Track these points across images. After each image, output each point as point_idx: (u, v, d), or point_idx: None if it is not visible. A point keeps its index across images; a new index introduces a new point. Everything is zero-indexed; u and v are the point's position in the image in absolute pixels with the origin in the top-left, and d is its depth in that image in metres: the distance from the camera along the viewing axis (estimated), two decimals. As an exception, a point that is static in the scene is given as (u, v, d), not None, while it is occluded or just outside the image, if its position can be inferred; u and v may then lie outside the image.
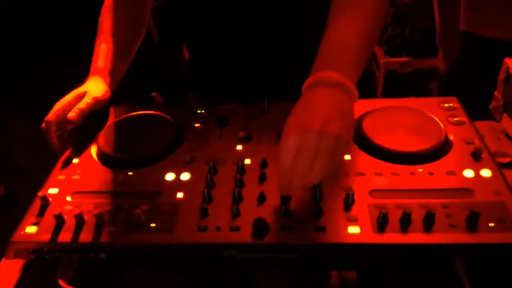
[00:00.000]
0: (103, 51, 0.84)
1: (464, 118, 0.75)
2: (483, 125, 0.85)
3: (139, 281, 0.60)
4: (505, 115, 0.81)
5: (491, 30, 1.28)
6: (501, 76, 0.81)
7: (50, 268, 0.60)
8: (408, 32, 2.28)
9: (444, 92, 1.46)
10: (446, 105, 0.78)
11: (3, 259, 0.65)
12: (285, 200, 0.60)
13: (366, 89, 0.82)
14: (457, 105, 0.78)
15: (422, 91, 2.20)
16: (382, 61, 2.30)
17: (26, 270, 0.64)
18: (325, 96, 0.57)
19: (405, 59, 2.27)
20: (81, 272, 0.60)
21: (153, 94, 0.93)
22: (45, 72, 2.17)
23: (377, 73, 2.39)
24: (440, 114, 0.75)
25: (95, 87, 0.80)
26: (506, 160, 0.75)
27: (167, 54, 1.23)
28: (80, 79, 0.83)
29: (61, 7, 2.03)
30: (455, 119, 0.74)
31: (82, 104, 0.77)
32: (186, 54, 1.03)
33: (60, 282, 0.58)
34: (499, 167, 0.65)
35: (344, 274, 0.66)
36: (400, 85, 2.30)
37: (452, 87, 1.41)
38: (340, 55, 0.62)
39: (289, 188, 0.57)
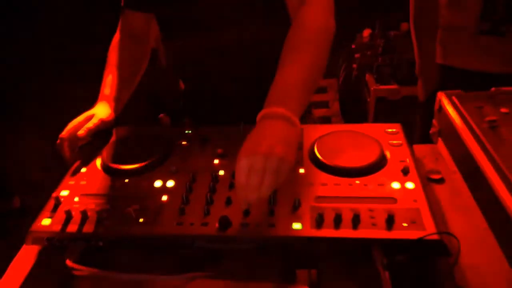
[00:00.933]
0: (109, 81, 1.03)
1: (402, 141, 0.90)
2: (427, 148, 1.01)
3: (129, 262, 0.76)
4: (439, 139, 0.96)
5: (462, 62, 1.44)
6: (436, 106, 0.96)
7: (60, 252, 0.77)
8: (396, 62, 2.45)
9: (423, 117, 1.62)
10: (390, 130, 0.94)
11: (23, 246, 0.82)
12: (247, 211, 0.76)
13: (359, 114, 0.98)
14: (399, 130, 0.94)
15: (410, 116, 2.36)
16: (372, 88, 2.46)
17: (41, 255, 0.81)
18: (272, 127, 0.73)
19: (394, 86, 2.43)
20: (84, 255, 0.76)
21: (161, 115, 1.10)
22: (58, 94, 2.38)
23: (368, 99, 2.55)
24: (383, 138, 0.91)
25: (101, 111, 0.98)
26: (438, 176, 0.91)
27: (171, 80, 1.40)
28: (87, 101, 1.01)
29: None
30: (395, 142, 0.90)
31: (90, 124, 0.95)
32: (181, 84, 1.21)
33: (68, 262, 0.74)
34: (423, 181, 0.80)
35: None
36: (390, 111, 2.45)
37: (429, 112, 1.56)
38: (286, 93, 0.79)
39: (246, 201, 0.72)
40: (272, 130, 0.73)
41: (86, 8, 2.42)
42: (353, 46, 2.76)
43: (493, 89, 0.91)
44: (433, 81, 1.55)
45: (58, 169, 0.93)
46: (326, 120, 3.11)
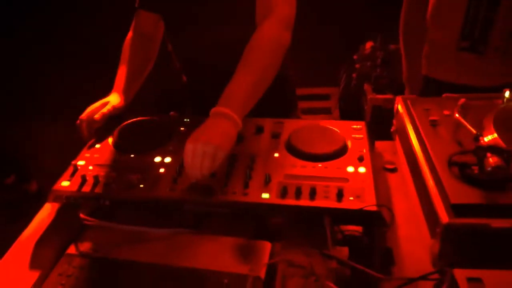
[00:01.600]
0: (121, 75, 1.23)
1: (363, 135, 1.07)
2: (387, 144, 1.18)
3: (130, 218, 0.94)
4: (397, 136, 1.13)
5: (444, 75, 1.60)
6: (394, 109, 1.13)
7: (75, 209, 0.96)
8: (393, 73, 2.61)
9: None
10: (355, 126, 1.11)
11: (46, 203, 1.02)
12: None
13: (356, 119, 1.15)
14: (362, 127, 1.11)
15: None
16: (369, 97, 2.63)
17: (60, 211, 1.00)
18: (216, 123, 0.93)
19: (389, 96, 2.60)
20: (94, 211, 0.95)
21: (171, 113, 1.28)
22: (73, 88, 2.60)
23: (366, 107, 2.72)
24: (348, 132, 1.09)
25: (114, 99, 1.18)
26: (391, 166, 1.08)
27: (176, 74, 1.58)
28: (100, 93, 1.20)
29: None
30: (357, 136, 1.07)
31: (104, 110, 1.14)
32: (184, 77, 1.40)
33: (81, 215, 0.93)
34: (374, 168, 0.97)
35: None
36: (384, 118, 2.61)
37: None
38: (233, 96, 0.98)
39: (192, 177, 0.91)
40: (215, 125, 0.93)
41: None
42: (355, 57, 2.94)
43: (444, 95, 1.08)
44: (418, 90, 1.71)
45: (73, 157, 1.11)
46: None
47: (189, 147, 0.89)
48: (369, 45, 2.90)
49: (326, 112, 3.38)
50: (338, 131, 1.08)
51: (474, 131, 0.85)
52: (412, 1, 1.55)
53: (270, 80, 1.07)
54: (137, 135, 1.13)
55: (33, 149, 2.89)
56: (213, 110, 0.96)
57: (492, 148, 0.78)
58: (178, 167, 0.99)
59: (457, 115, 0.95)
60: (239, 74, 1.02)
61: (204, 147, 0.88)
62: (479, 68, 1.50)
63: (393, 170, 1.08)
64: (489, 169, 0.75)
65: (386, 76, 2.65)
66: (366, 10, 2.98)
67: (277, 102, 1.35)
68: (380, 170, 1.08)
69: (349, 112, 2.91)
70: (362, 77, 2.77)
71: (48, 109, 2.86)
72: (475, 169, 0.79)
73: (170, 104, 1.29)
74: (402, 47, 1.68)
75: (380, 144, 1.16)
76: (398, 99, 1.12)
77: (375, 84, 2.66)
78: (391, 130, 1.17)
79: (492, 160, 0.76)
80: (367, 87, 2.71)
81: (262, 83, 1.05)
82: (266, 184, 0.94)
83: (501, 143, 0.83)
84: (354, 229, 0.90)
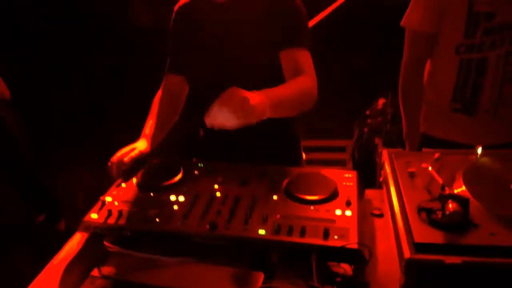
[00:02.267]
0: (149, 125, 1.43)
1: (353, 183, 1.22)
2: (376, 192, 1.31)
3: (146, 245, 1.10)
4: (384, 185, 1.27)
5: (440, 134, 1.74)
6: (381, 161, 1.28)
7: (101, 238, 1.12)
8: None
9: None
10: (347, 175, 1.26)
11: (76, 233, 1.19)
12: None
13: (369, 172, 1.31)
14: (354, 176, 1.26)
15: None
16: (379, 151, 2.77)
17: (88, 240, 1.17)
18: (249, 95, 1.09)
19: (398, 150, 2.72)
20: (117, 240, 1.12)
21: (193, 159, 1.46)
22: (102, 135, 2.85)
23: (377, 160, 2.85)
24: (340, 180, 1.23)
25: (141, 145, 1.37)
26: (378, 212, 1.21)
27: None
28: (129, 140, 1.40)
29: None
30: (348, 183, 1.22)
31: (132, 154, 1.33)
32: (201, 131, 1.60)
33: (105, 242, 1.10)
34: (360, 212, 1.11)
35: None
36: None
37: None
38: (274, 92, 1.18)
39: (213, 121, 1.07)
40: (250, 97, 1.09)
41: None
42: (367, 112, 3.11)
43: (423, 149, 1.22)
44: (416, 146, 1.85)
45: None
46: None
47: (219, 97, 1.07)
48: (381, 101, 3.08)
49: (341, 163, 3.52)
50: (331, 179, 1.23)
51: (441, 182, 0.99)
52: (409, 67, 1.71)
53: (296, 109, 1.28)
54: (156, 177, 1.31)
55: (65, 190, 3.11)
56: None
57: (452, 196, 0.91)
58: (189, 205, 1.15)
59: (430, 168, 1.09)
60: (281, 87, 1.24)
61: (232, 95, 1.06)
62: (471, 128, 1.64)
63: (380, 216, 1.21)
64: (448, 213, 0.88)
65: (396, 131, 2.79)
66: (379, 70, 3.18)
67: (282, 151, 1.53)
68: (368, 215, 1.21)
69: (362, 164, 3.04)
70: (373, 131, 2.93)
71: (79, 154, 3.12)
72: (439, 214, 0.92)
73: (188, 152, 1.48)
74: (401, 107, 1.83)
75: (370, 192, 1.30)
76: (384, 152, 1.27)
77: (385, 138, 2.80)
78: (380, 179, 1.31)
79: (451, 206, 0.89)
80: (378, 140, 2.86)
81: (293, 102, 1.25)
82: (263, 222, 1.08)
83: (469, 195, 0.97)
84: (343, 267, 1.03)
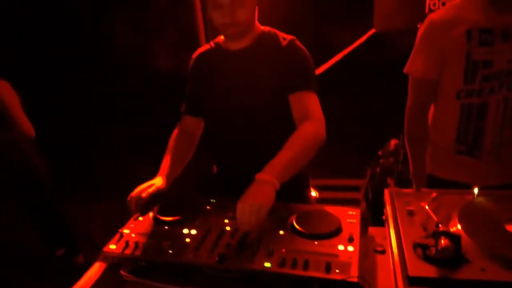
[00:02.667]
0: (166, 162, 1.54)
1: (356, 220, 1.28)
2: (380, 229, 1.37)
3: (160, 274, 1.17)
4: (386, 224, 1.32)
5: (445, 175, 1.80)
6: (384, 201, 1.34)
7: (118, 267, 1.21)
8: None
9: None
10: (350, 213, 1.33)
11: (96, 262, 1.27)
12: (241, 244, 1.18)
13: (381, 212, 1.37)
14: (357, 213, 1.32)
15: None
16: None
17: (106, 269, 1.25)
18: (259, 186, 1.20)
19: (410, 190, 2.76)
20: (133, 269, 1.20)
21: (212, 200, 1.55)
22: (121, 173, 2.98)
23: (389, 200, 2.88)
24: (345, 217, 1.30)
25: (158, 181, 1.47)
26: (380, 249, 1.26)
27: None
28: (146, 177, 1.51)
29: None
30: (351, 220, 1.28)
31: (150, 190, 1.43)
32: (215, 168, 1.70)
33: (122, 272, 1.18)
34: (362, 248, 1.17)
35: None
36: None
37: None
38: (275, 165, 1.26)
39: (243, 229, 1.17)
40: (259, 188, 1.20)
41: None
42: (379, 153, 3.17)
43: (421, 189, 1.29)
44: (423, 186, 1.89)
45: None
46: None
47: (239, 206, 1.17)
48: (393, 142, 3.15)
49: (355, 203, 3.55)
50: (335, 216, 1.29)
51: (436, 219, 1.05)
52: (414, 112, 1.79)
53: (305, 162, 1.35)
54: (171, 211, 1.40)
55: (83, 223, 3.22)
56: (257, 175, 1.24)
57: (445, 233, 0.97)
58: (200, 239, 1.23)
59: (427, 207, 1.15)
60: (283, 150, 1.31)
61: (251, 206, 1.16)
62: (476, 170, 1.69)
63: (382, 252, 1.26)
64: (440, 249, 0.94)
65: (408, 171, 2.82)
66: (392, 112, 3.28)
67: (291, 189, 1.60)
68: (371, 251, 1.27)
69: (374, 205, 3.07)
70: (385, 172, 2.98)
71: (99, 190, 3.26)
72: (433, 250, 0.98)
73: (203, 187, 1.57)
74: (407, 149, 1.89)
75: (373, 229, 1.36)
76: (386, 191, 1.33)
77: (397, 178, 2.85)
78: (383, 217, 1.37)
79: (443, 242, 0.95)
80: (390, 181, 2.91)
81: (299, 160, 1.33)
82: (269, 255, 1.15)
83: (463, 233, 1.03)
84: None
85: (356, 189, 3.59)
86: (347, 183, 3.53)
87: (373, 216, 3.08)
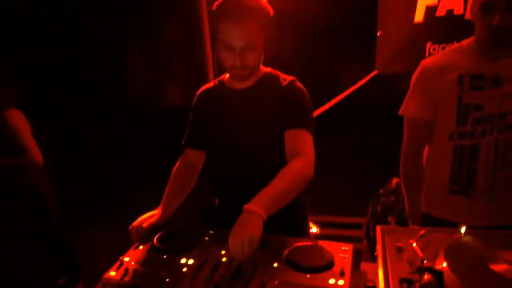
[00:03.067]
0: (166, 194, 1.61)
1: (349, 256, 1.32)
2: (371, 265, 1.40)
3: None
4: (378, 260, 1.36)
5: (439, 214, 1.83)
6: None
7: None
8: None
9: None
10: (343, 248, 1.37)
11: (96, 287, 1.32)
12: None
13: None
14: (350, 249, 1.36)
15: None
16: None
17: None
18: (247, 218, 1.25)
19: (402, 228, 2.77)
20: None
21: (210, 231, 1.61)
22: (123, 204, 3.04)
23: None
24: (337, 252, 1.34)
25: (159, 212, 1.54)
26: (371, 284, 1.29)
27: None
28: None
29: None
30: (343, 255, 1.32)
31: (151, 220, 1.49)
32: (216, 200, 1.76)
33: (120, 298, 1.22)
34: (352, 282, 1.20)
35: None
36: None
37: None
38: (263, 197, 1.31)
39: (236, 258, 1.22)
40: (247, 220, 1.25)
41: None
42: (381, 191, 3.21)
43: (409, 226, 1.33)
44: (418, 224, 1.93)
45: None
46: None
47: (231, 240, 1.22)
48: (394, 180, 3.18)
49: (357, 240, 3.56)
50: (328, 250, 1.34)
51: (421, 255, 1.10)
52: (409, 152, 1.85)
53: (292, 197, 1.40)
54: (170, 242, 1.45)
55: (86, 252, 3.26)
56: (245, 206, 1.29)
57: (429, 268, 1.02)
58: (197, 268, 1.28)
59: (414, 243, 1.20)
60: (271, 184, 1.37)
61: (242, 239, 1.21)
62: (470, 210, 1.73)
63: (372, 287, 1.29)
64: (423, 284, 0.98)
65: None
66: (394, 151, 3.34)
67: (290, 222, 1.66)
68: (362, 286, 1.30)
69: (375, 242, 3.08)
70: (386, 210, 3.00)
71: (101, 219, 3.31)
72: (417, 285, 1.02)
73: (203, 219, 1.63)
74: (403, 188, 1.95)
75: (366, 265, 1.39)
76: (377, 228, 1.38)
77: (398, 217, 2.87)
78: (375, 254, 1.41)
79: (426, 277, 0.99)
80: (390, 219, 2.93)
81: (286, 195, 1.38)
82: (262, 287, 1.19)
83: (447, 270, 1.07)
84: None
85: (358, 226, 3.61)
86: (348, 221, 3.55)
87: (374, 254, 3.09)
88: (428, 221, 1.86)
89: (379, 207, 3.08)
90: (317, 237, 3.13)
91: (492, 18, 1.52)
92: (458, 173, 1.72)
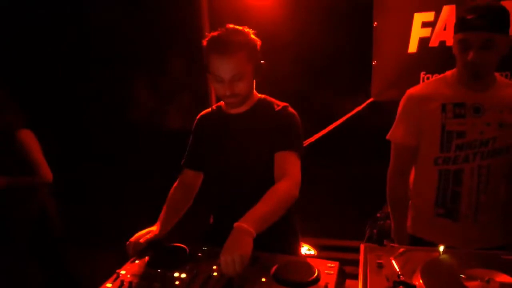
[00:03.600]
0: (163, 212, 1.70)
1: (334, 272, 1.39)
2: (356, 282, 1.46)
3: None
4: (359, 275, 1.42)
5: (425, 236, 1.89)
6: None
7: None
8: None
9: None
10: (329, 265, 1.44)
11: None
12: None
13: None
14: (336, 266, 1.43)
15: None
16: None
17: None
18: (237, 236, 1.33)
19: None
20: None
21: (204, 248, 1.68)
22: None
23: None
24: (323, 268, 1.41)
25: (155, 229, 1.62)
26: (356, 300, 1.36)
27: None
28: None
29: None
30: (329, 272, 1.39)
31: (147, 236, 1.57)
32: (211, 218, 1.84)
33: (115, 308, 1.29)
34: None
35: None
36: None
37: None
38: (252, 216, 1.39)
39: (228, 275, 1.29)
40: (238, 238, 1.33)
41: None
42: (378, 215, 3.26)
43: (389, 244, 1.40)
44: (404, 245, 1.97)
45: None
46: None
47: (223, 258, 1.30)
48: (391, 205, 3.23)
49: (354, 263, 3.59)
50: (314, 267, 1.41)
51: (398, 271, 1.17)
52: (395, 175, 1.93)
53: (278, 216, 1.48)
54: (164, 257, 1.52)
55: (84, 269, 3.31)
56: (236, 224, 1.37)
57: (403, 283, 1.09)
58: (188, 282, 1.35)
59: (393, 260, 1.26)
60: (258, 204, 1.45)
61: (232, 256, 1.28)
62: (455, 233, 1.79)
63: (357, 303, 1.35)
64: (396, 296, 1.05)
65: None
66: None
67: (281, 243, 1.73)
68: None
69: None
70: (382, 234, 3.04)
71: (101, 237, 3.39)
72: (392, 298, 1.08)
73: (199, 236, 1.71)
74: (390, 211, 2.01)
75: (351, 282, 1.46)
76: (361, 246, 1.45)
77: (394, 241, 2.91)
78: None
79: (400, 290, 1.06)
80: (386, 242, 2.96)
81: (274, 214, 1.47)
82: (251, 301, 1.26)
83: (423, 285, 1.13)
84: None
85: (355, 250, 3.64)
86: (346, 244, 3.59)
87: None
88: (415, 243, 1.91)
89: (375, 231, 3.13)
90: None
91: (466, 55, 1.63)
92: (443, 196, 1.79)
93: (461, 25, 1.65)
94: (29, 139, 2.73)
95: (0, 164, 2.66)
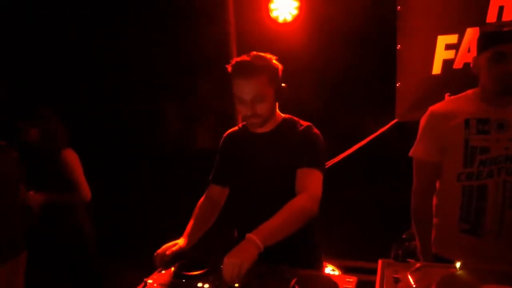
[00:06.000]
0: (190, 225, 1.78)
1: (351, 286, 1.43)
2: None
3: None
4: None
5: (449, 255, 1.89)
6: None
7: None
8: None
9: None
10: (347, 279, 1.47)
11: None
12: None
13: None
14: (354, 281, 1.47)
15: None
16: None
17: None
18: (244, 245, 1.40)
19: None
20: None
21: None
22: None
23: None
24: (342, 283, 1.45)
25: (181, 242, 1.71)
26: (372, 313, 1.39)
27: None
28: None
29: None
30: (347, 286, 1.43)
31: (174, 248, 1.66)
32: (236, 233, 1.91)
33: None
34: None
35: None
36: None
37: None
38: (263, 229, 1.46)
39: (226, 279, 1.36)
40: (244, 247, 1.41)
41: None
42: (404, 236, 3.24)
43: (408, 260, 1.43)
44: (430, 262, 1.97)
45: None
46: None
47: (225, 261, 1.38)
48: (417, 227, 3.21)
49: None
50: (333, 281, 1.45)
51: (413, 286, 1.20)
52: (419, 192, 1.95)
53: (292, 230, 1.52)
54: (188, 268, 1.60)
55: (113, 281, 3.41)
56: (247, 235, 1.44)
57: (416, 295, 1.12)
58: (212, 291, 1.42)
59: (409, 275, 1.30)
60: (273, 217, 1.52)
61: (233, 262, 1.36)
62: (479, 251, 1.78)
63: (373, 316, 1.38)
64: (409, 308, 1.08)
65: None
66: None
67: (303, 257, 1.78)
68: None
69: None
70: (407, 254, 3.02)
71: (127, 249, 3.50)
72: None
73: (223, 250, 1.78)
74: (414, 228, 2.02)
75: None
76: (379, 262, 1.48)
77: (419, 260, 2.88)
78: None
79: (413, 303, 1.09)
80: (410, 261, 2.93)
81: (285, 229, 1.51)
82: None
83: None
84: None
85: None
86: (370, 266, 3.56)
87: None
88: (438, 261, 1.91)
89: (400, 252, 3.10)
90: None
91: (503, 66, 1.67)
92: (467, 211, 1.79)
93: (495, 39, 1.70)
94: (73, 158, 2.88)
95: (41, 181, 2.81)
